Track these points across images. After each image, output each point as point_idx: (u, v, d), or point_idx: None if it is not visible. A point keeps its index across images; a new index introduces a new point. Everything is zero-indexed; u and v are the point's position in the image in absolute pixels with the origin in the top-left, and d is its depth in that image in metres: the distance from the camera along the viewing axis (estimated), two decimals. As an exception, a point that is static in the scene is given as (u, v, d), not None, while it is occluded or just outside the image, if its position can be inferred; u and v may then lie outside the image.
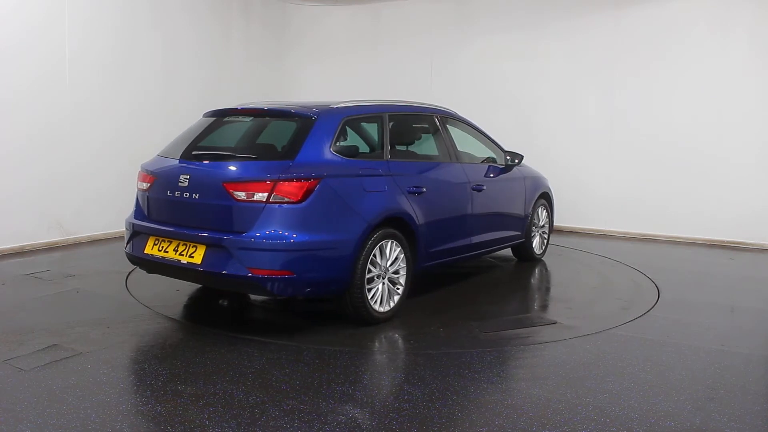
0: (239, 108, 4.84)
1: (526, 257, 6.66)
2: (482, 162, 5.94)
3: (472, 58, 9.24)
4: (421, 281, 5.85)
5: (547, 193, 6.84)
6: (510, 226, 6.17)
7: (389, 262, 4.53)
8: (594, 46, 8.45)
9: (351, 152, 4.61)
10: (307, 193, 4.03)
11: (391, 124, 4.97)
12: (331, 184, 4.17)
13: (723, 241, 7.84)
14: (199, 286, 5.32)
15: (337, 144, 4.44)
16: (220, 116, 4.83)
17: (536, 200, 6.53)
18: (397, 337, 4.36)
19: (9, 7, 6.48)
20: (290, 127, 4.45)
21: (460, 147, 5.99)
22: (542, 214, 6.75)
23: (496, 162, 6.02)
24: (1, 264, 6.14)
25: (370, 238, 4.31)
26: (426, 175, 5.04)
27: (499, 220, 5.97)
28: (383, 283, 4.50)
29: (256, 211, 3.98)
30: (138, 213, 4.66)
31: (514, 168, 6.18)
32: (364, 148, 4.97)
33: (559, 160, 8.42)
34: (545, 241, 6.89)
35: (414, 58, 9.60)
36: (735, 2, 7.64)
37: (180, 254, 4.20)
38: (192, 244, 4.17)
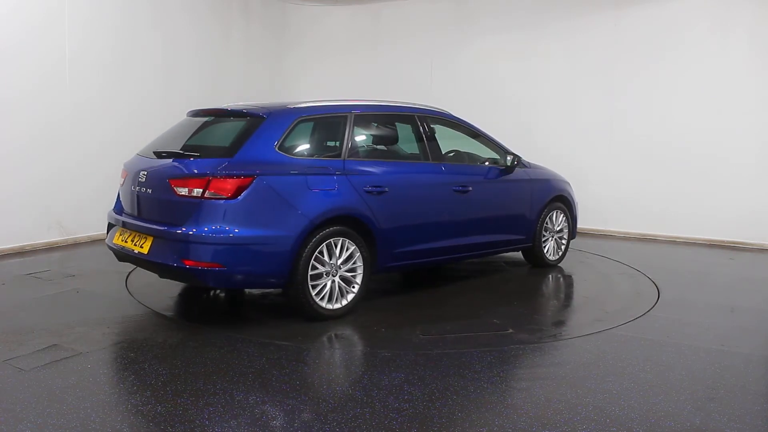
0: (209, 108, 5.06)
1: (538, 263, 6.35)
2: (481, 163, 5.84)
3: (471, 58, 9.24)
4: (410, 281, 5.86)
5: (564, 196, 6.48)
6: (510, 229, 5.97)
7: (340, 261, 4.56)
8: (594, 46, 8.46)
9: (300, 151, 4.69)
10: (240, 190, 4.17)
11: (357, 123, 4.98)
12: (269, 181, 4.27)
13: (723, 241, 7.84)
14: (195, 287, 5.36)
15: (285, 143, 4.53)
16: (196, 116, 5.04)
17: (548, 204, 6.24)
18: (336, 334, 4.34)
19: (9, 8, 6.48)
20: (242, 126, 4.61)
21: (462, 148, 5.96)
22: (558, 218, 6.41)
23: (497, 163, 5.88)
24: (1, 264, 6.14)
25: (313, 236, 4.39)
26: (390, 174, 4.96)
27: (494, 222, 5.79)
28: (333, 281, 4.54)
29: (192, 206, 4.19)
30: (116, 206, 5.03)
31: (520, 169, 5.97)
32: (329, 146, 4.93)
33: (559, 159, 8.40)
34: (563, 246, 6.54)
35: (414, 58, 9.60)
36: (735, 2, 7.64)
37: (134, 244, 4.50)
38: (143, 236, 4.47)
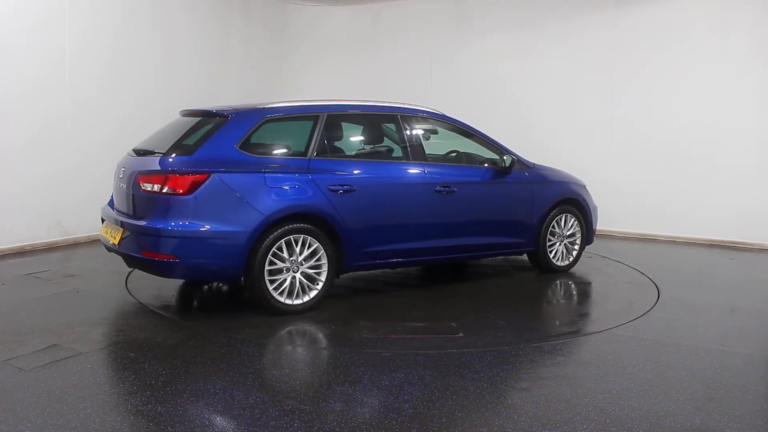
0: (195, 109, 5.24)
1: (544, 268, 6.10)
2: (481, 164, 5.69)
3: (471, 58, 9.24)
4: (413, 280, 5.86)
5: (575, 199, 6.20)
6: (506, 232, 5.80)
7: (301, 258, 4.64)
8: (594, 46, 8.45)
9: (263, 150, 4.80)
10: (194, 186, 4.37)
11: (329, 123, 5.03)
12: (224, 178, 4.44)
13: (723, 241, 7.84)
14: (197, 286, 5.47)
15: (248, 141, 4.68)
16: (186, 116, 5.22)
17: (554, 207, 6.00)
18: (291, 329, 4.40)
19: (9, 8, 6.48)
20: (210, 125, 4.80)
21: (463, 148, 5.92)
22: (568, 222, 6.14)
23: (496, 164, 5.69)
24: (1, 264, 6.14)
25: (270, 232, 4.51)
26: (360, 174, 4.97)
27: (485, 225, 5.64)
28: (294, 277, 4.63)
29: (152, 200, 4.46)
30: (109, 201, 5.32)
31: (520, 170, 5.79)
32: (296, 146, 4.98)
33: (559, 159, 8.38)
34: (574, 252, 6.25)
35: (414, 58, 9.60)
36: (735, 2, 7.64)
37: (111, 236, 4.81)
38: (117, 228, 4.76)
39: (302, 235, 4.64)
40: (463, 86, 9.25)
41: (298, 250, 4.63)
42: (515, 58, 8.94)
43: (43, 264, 6.16)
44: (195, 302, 5.20)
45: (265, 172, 4.59)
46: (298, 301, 4.67)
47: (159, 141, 4.93)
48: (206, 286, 5.51)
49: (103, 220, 5.19)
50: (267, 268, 4.52)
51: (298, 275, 4.66)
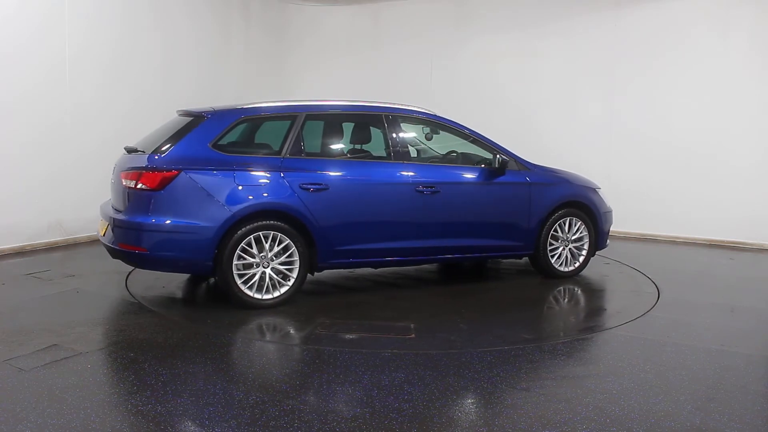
0: (187, 110, 5.34)
1: (546, 273, 5.89)
2: (477, 164, 5.59)
3: (471, 57, 9.24)
4: (420, 279, 5.85)
5: (582, 202, 5.94)
6: (500, 234, 5.62)
7: (272, 253, 4.76)
8: (594, 46, 8.46)
9: (236, 148, 5.01)
10: (164, 183, 4.58)
11: (307, 123, 5.11)
12: (193, 176, 4.63)
13: (723, 241, 7.84)
14: (196, 286, 5.51)
15: (222, 141, 4.87)
16: (182, 116, 5.32)
17: (555, 209, 5.79)
18: (246, 326, 4.46)
19: (10, 10, 6.48)
20: (187, 125, 4.97)
21: (461, 149, 5.91)
22: (574, 225, 5.90)
23: (491, 165, 5.56)
24: (1, 264, 6.14)
25: (238, 228, 4.66)
26: (334, 173, 5.02)
27: (474, 226, 5.50)
28: (264, 273, 4.76)
29: (129, 195, 4.70)
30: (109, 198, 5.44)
31: (517, 171, 5.64)
32: (271, 145, 5.10)
33: (559, 159, 8.39)
34: (581, 258, 6.01)
35: (414, 58, 9.60)
36: (735, 2, 7.65)
37: (102, 230, 5.04)
38: (105, 222, 5.00)
39: (272, 232, 4.74)
40: (463, 86, 9.25)
41: (267, 246, 4.73)
42: (515, 58, 8.94)
43: (43, 264, 6.16)
44: (196, 302, 5.20)
45: (234, 170, 4.72)
46: (268, 296, 4.78)
47: (149, 140, 5.10)
48: (209, 282, 5.53)
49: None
50: (236, 262, 4.66)
51: (268, 271, 4.76)
